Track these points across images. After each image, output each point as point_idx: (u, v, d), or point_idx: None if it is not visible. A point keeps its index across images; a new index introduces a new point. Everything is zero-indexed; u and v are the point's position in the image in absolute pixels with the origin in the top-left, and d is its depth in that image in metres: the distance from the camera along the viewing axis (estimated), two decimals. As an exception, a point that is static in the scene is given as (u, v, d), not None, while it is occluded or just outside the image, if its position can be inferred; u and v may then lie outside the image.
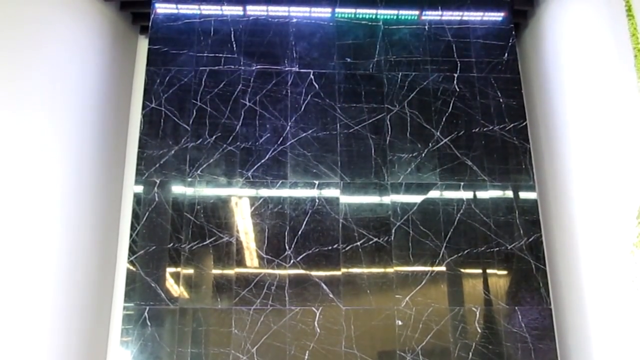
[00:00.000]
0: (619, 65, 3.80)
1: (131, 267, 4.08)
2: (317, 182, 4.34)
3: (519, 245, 4.28)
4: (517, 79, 4.71)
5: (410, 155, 4.45)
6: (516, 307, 4.15)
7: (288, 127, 4.45)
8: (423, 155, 4.46)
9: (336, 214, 4.27)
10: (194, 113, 4.44)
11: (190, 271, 4.11)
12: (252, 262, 4.16)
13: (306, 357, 3.95)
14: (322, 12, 4.80)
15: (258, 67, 4.60)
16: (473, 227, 4.31)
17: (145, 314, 3.99)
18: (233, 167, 4.34)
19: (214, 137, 4.39)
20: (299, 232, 4.22)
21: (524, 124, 4.59)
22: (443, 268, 4.20)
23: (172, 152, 4.35)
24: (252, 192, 4.30)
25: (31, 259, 3.65)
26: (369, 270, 4.17)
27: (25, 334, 3.54)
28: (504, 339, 4.07)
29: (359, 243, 4.22)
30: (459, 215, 4.33)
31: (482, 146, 4.50)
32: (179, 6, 4.73)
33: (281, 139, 4.42)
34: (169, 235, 4.16)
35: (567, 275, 4.37)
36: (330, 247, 4.19)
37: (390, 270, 4.18)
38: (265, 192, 4.30)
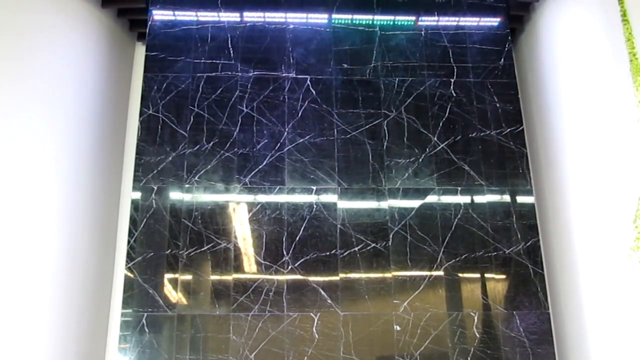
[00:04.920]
0: (614, 69, 3.81)
1: (129, 274, 4.08)
2: (314, 188, 4.34)
3: (516, 249, 4.29)
4: (514, 84, 4.73)
5: (408, 160, 4.46)
6: (514, 312, 4.15)
7: (285, 133, 4.46)
8: (420, 160, 4.46)
9: (334, 220, 4.27)
10: (192, 119, 4.45)
11: (188, 277, 4.10)
12: (250, 268, 4.16)
13: (304, 363, 3.95)
14: (319, 18, 4.81)
15: (255, 73, 4.61)
16: (471, 231, 4.32)
17: (143, 320, 3.98)
18: (230, 173, 4.34)
19: (211, 143, 4.40)
20: (297, 238, 4.22)
21: (521, 128, 4.60)
22: (441, 273, 4.21)
23: (170, 158, 4.35)
24: (250, 198, 4.30)
25: (29, 266, 3.64)
26: (367, 275, 4.17)
27: (24, 340, 3.53)
28: (503, 344, 4.07)
29: (356, 248, 4.22)
30: (456, 220, 4.33)
31: (479, 151, 4.51)
32: (176, 13, 4.74)
33: (278, 144, 4.43)
34: (166, 241, 4.16)
35: (565, 279, 4.37)
36: (328, 253, 4.19)
37: (388, 275, 4.18)
38: (262, 198, 4.30)
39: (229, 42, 4.69)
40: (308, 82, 4.61)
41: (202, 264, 4.14)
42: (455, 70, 4.73)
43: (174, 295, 4.06)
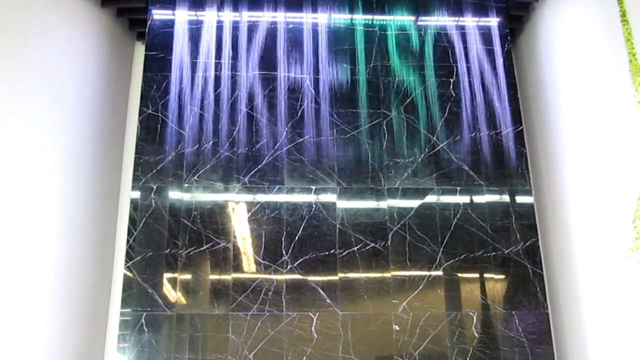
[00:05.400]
0: (614, 70, 3.82)
1: (128, 273, 4.07)
2: (313, 188, 4.34)
3: (515, 249, 4.29)
4: (513, 84, 4.73)
5: (407, 160, 4.46)
6: (513, 312, 4.15)
7: (284, 133, 4.46)
8: (419, 160, 4.47)
9: (333, 219, 4.27)
10: (191, 119, 4.45)
11: (187, 277, 4.10)
12: (249, 267, 4.16)
13: (303, 362, 3.95)
14: (319, 18, 4.81)
15: (254, 72, 4.61)
16: (470, 231, 4.32)
17: (142, 320, 3.98)
18: (230, 173, 4.34)
19: (210, 142, 4.40)
20: (296, 238, 4.22)
21: (520, 128, 4.60)
22: (440, 273, 4.21)
23: (169, 157, 4.35)
24: (249, 197, 4.30)
25: (28, 265, 3.64)
26: (366, 275, 4.17)
27: (22, 340, 3.53)
28: (501, 344, 4.07)
29: (355, 248, 4.22)
30: (455, 219, 4.33)
31: (478, 151, 4.51)
32: (176, 12, 4.74)
33: (278, 144, 4.43)
34: (166, 241, 4.16)
35: (564, 279, 4.37)
36: (327, 253, 4.19)
37: (387, 275, 4.18)
38: (262, 198, 4.30)
39: (229, 41, 4.69)
40: (307, 81, 4.61)
41: (201, 264, 4.14)
42: (455, 70, 4.73)
43: (173, 295, 4.06)
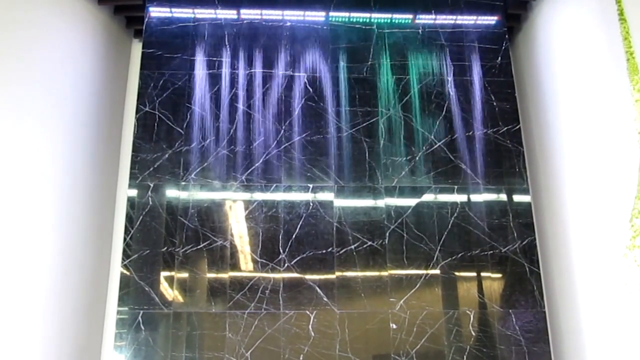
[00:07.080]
0: (611, 68, 3.81)
1: (125, 271, 4.07)
2: (311, 186, 4.34)
3: (513, 248, 4.29)
4: (511, 83, 4.73)
5: (404, 158, 4.46)
6: (510, 310, 4.15)
7: (282, 131, 4.45)
8: (417, 158, 4.46)
9: (330, 218, 4.27)
10: (188, 117, 4.44)
11: (185, 275, 4.10)
12: (246, 265, 4.15)
13: (300, 361, 3.95)
14: (316, 16, 4.80)
15: (252, 70, 4.60)
16: (467, 230, 4.32)
17: (139, 318, 3.97)
18: (227, 171, 4.34)
19: (207, 140, 4.39)
20: (293, 236, 4.21)
21: (518, 127, 4.60)
22: (437, 271, 4.21)
23: (166, 155, 4.34)
24: (247, 195, 4.30)
25: (24, 263, 3.63)
26: (363, 273, 4.17)
27: (19, 338, 3.52)
28: (498, 342, 4.08)
29: (353, 246, 4.22)
30: (453, 218, 4.34)
31: (475, 149, 4.51)
32: (173, 10, 4.73)
33: (275, 142, 4.42)
34: (163, 239, 4.16)
35: (561, 278, 4.38)
36: (324, 251, 4.19)
37: (384, 273, 4.18)
38: (259, 196, 4.30)
39: (226, 39, 4.68)
40: (305, 79, 4.60)
41: (198, 262, 4.13)
42: (453, 68, 4.73)
43: (170, 293, 4.06)
